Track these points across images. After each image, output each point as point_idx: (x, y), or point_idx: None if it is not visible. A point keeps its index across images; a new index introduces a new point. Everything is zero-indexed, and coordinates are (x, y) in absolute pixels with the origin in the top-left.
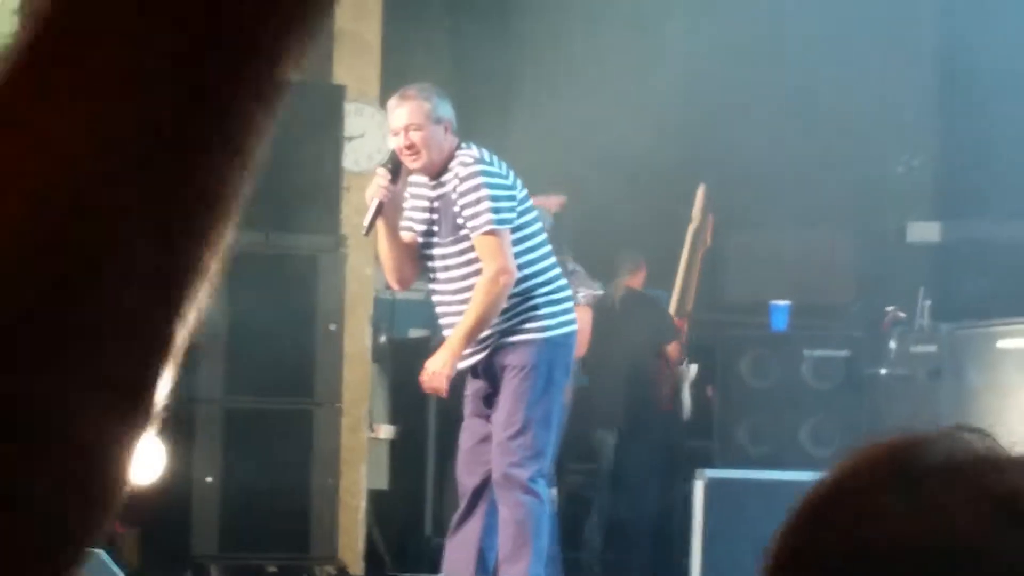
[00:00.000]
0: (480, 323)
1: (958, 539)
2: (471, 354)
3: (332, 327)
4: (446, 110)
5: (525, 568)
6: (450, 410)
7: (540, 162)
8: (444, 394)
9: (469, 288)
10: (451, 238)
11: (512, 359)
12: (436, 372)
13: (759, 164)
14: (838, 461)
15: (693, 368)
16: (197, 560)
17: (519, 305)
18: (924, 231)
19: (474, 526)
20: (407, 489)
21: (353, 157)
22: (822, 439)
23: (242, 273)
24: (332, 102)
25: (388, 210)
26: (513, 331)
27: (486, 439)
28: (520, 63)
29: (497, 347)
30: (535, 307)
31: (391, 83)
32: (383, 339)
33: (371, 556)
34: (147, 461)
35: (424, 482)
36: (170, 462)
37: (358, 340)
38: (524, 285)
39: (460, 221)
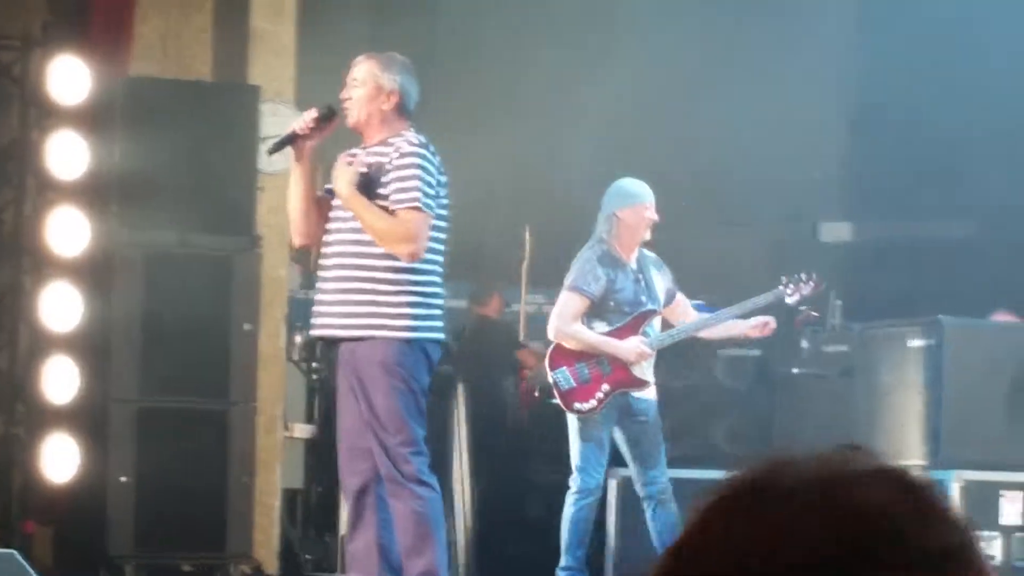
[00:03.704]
0: (369, 222)
1: (819, 558)
2: (329, 326)
3: (247, 327)
4: (399, 84)
5: (432, 558)
6: None
7: (449, 167)
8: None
9: (355, 255)
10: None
11: (377, 355)
12: (340, 179)
13: (671, 164)
14: (702, 496)
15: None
16: (112, 560)
17: (393, 295)
18: (836, 231)
19: (369, 525)
20: (322, 488)
21: (268, 158)
22: (736, 438)
23: (157, 273)
24: (247, 103)
25: (303, 153)
26: (379, 324)
27: (361, 435)
28: (438, 62)
29: (361, 338)
30: (406, 303)
31: (307, 84)
32: (298, 339)
33: (286, 555)
34: (62, 460)
35: (339, 481)
36: (85, 462)
37: (273, 340)
38: (402, 276)
39: (383, 192)
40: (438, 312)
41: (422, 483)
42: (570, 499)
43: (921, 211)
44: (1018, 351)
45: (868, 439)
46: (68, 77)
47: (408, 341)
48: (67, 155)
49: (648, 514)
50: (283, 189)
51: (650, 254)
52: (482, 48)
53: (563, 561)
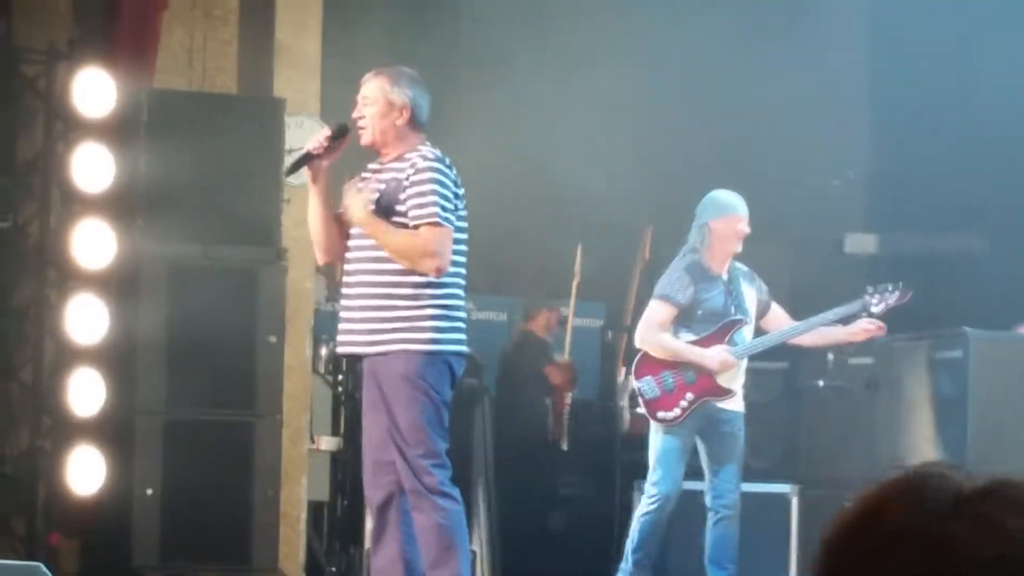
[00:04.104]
0: (391, 244)
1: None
2: (354, 344)
3: (272, 339)
4: (409, 97)
5: (455, 570)
6: None
7: (472, 180)
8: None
9: (376, 272)
10: (382, 219)
11: (400, 368)
12: (354, 206)
13: (696, 175)
14: (857, 499)
15: (632, 381)
16: (138, 572)
17: (414, 309)
18: (861, 242)
19: (393, 538)
20: (348, 501)
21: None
22: (761, 451)
23: (183, 285)
24: (272, 115)
25: (319, 172)
26: (401, 338)
27: (385, 449)
28: (461, 79)
29: (385, 353)
30: (428, 317)
31: (331, 97)
32: (323, 351)
33: (312, 568)
34: (87, 473)
35: (364, 494)
36: (110, 474)
37: (298, 352)
38: (424, 290)
39: (400, 208)
40: (461, 324)
41: (444, 495)
42: (643, 503)
43: (945, 223)
44: None
45: (893, 451)
46: (93, 90)
47: (430, 354)
48: (92, 168)
49: (708, 524)
50: (308, 202)
51: (742, 266)
52: (506, 57)
53: (623, 563)
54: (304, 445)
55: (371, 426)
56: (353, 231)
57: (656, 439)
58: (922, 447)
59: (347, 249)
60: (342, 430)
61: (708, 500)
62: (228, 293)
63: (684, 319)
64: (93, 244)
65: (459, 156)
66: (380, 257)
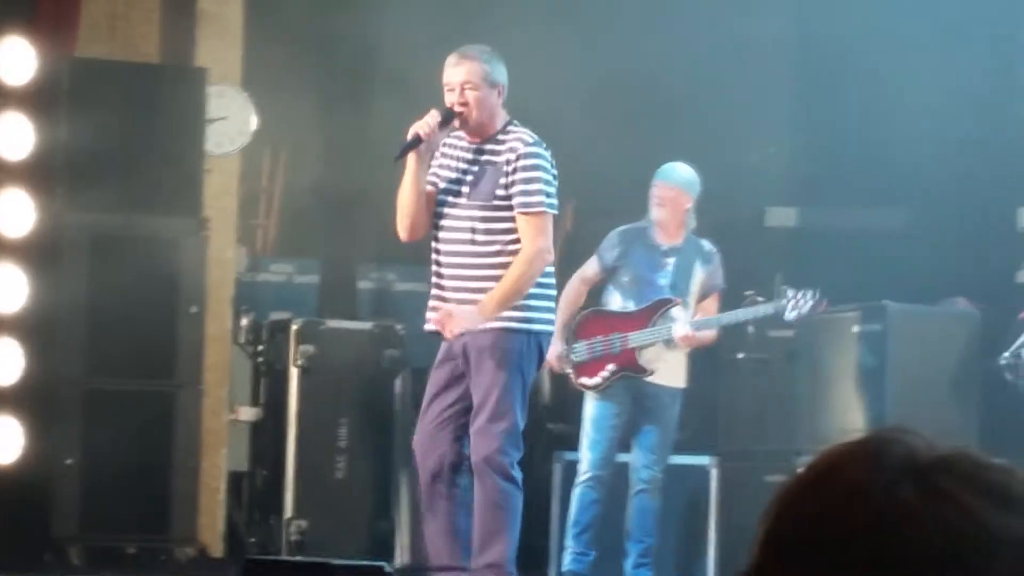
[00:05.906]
0: (513, 294)
1: (972, 527)
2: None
3: (194, 309)
4: (501, 75)
5: (503, 550)
6: (311, 392)
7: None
8: (448, 337)
9: (473, 255)
10: (481, 203)
11: (495, 342)
12: (456, 320)
13: (618, 152)
14: (814, 462)
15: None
16: (57, 542)
17: None
18: (781, 216)
19: (444, 509)
20: (267, 471)
21: (215, 140)
22: (681, 422)
23: (103, 255)
24: (194, 84)
25: (423, 152)
26: (502, 316)
27: (446, 421)
28: (381, 46)
29: (483, 330)
30: (527, 296)
31: (253, 65)
32: (244, 322)
33: (231, 538)
34: (6, 442)
35: (284, 464)
36: (29, 444)
37: (220, 322)
38: None
39: (501, 192)
40: (551, 304)
41: (509, 478)
42: (577, 479)
43: (866, 198)
44: (962, 337)
45: (813, 424)
46: (14, 58)
47: (527, 332)
48: (13, 136)
49: (628, 497)
50: (229, 171)
51: (706, 244)
52: (437, 27)
53: (567, 541)
54: (224, 415)
55: (437, 402)
56: (446, 211)
57: (588, 406)
58: (842, 419)
59: (435, 228)
60: (262, 400)
61: (631, 474)
62: (149, 263)
63: (612, 279)
64: (13, 213)
65: (386, 115)
66: (476, 240)
